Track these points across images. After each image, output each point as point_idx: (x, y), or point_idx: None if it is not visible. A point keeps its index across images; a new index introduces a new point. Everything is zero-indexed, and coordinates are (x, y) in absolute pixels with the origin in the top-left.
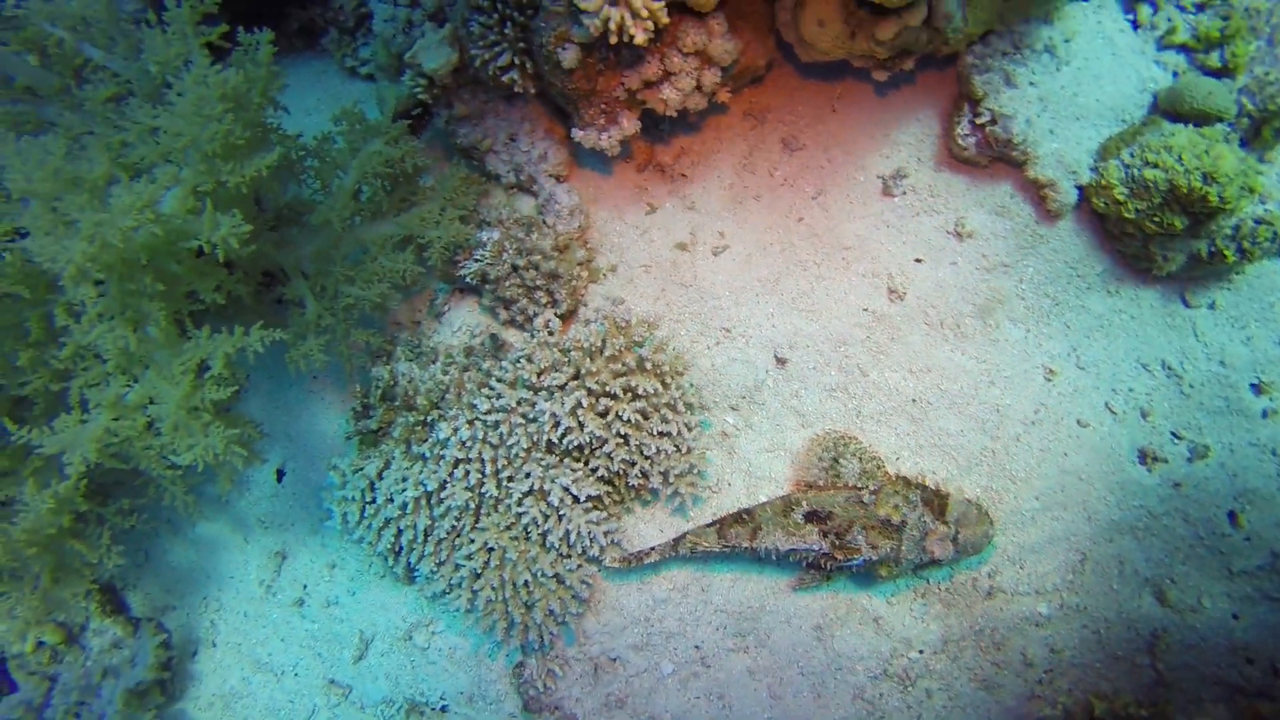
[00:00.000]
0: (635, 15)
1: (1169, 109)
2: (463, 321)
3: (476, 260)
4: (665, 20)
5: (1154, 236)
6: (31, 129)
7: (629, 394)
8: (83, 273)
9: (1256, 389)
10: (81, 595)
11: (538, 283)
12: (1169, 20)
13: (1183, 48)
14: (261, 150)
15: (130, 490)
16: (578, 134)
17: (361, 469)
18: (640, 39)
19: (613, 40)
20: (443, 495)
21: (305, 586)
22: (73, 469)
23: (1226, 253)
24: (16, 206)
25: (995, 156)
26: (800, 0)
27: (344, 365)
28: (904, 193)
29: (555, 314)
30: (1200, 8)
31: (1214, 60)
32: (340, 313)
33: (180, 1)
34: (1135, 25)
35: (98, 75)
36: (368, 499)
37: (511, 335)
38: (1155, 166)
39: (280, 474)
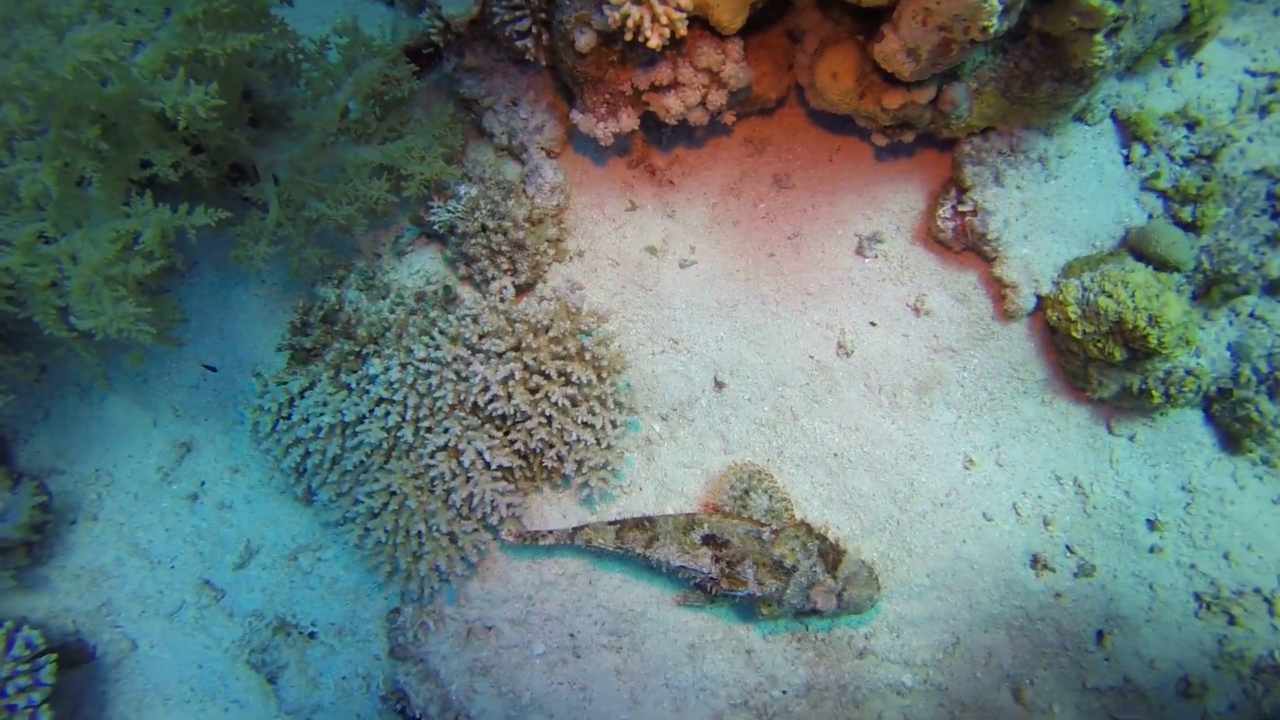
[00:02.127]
0: (654, 19)
1: (1136, 247)
2: (422, 266)
3: (449, 210)
4: (683, 32)
5: (1094, 360)
6: None
7: (562, 378)
8: (9, 91)
9: (1151, 525)
10: None
11: (503, 248)
12: (1156, 165)
13: (1162, 194)
14: (250, 31)
15: (39, 345)
16: (576, 116)
17: (285, 383)
18: (654, 43)
19: (628, 37)
20: (358, 429)
21: (203, 483)
22: None
23: (1154, 393)
24: None
25: (968, 246)
26: (820, 49)
27: (291, 277)
28: (875, 256)
29: (513, 282)
30: (1187, 163)
31: (1186, 214)
32: (301, 225)
33: None
34: (1127, 160)
35: None
36: (284, 413)
37: (465, 291)
38: (1109, 296)
39: (211, 368)
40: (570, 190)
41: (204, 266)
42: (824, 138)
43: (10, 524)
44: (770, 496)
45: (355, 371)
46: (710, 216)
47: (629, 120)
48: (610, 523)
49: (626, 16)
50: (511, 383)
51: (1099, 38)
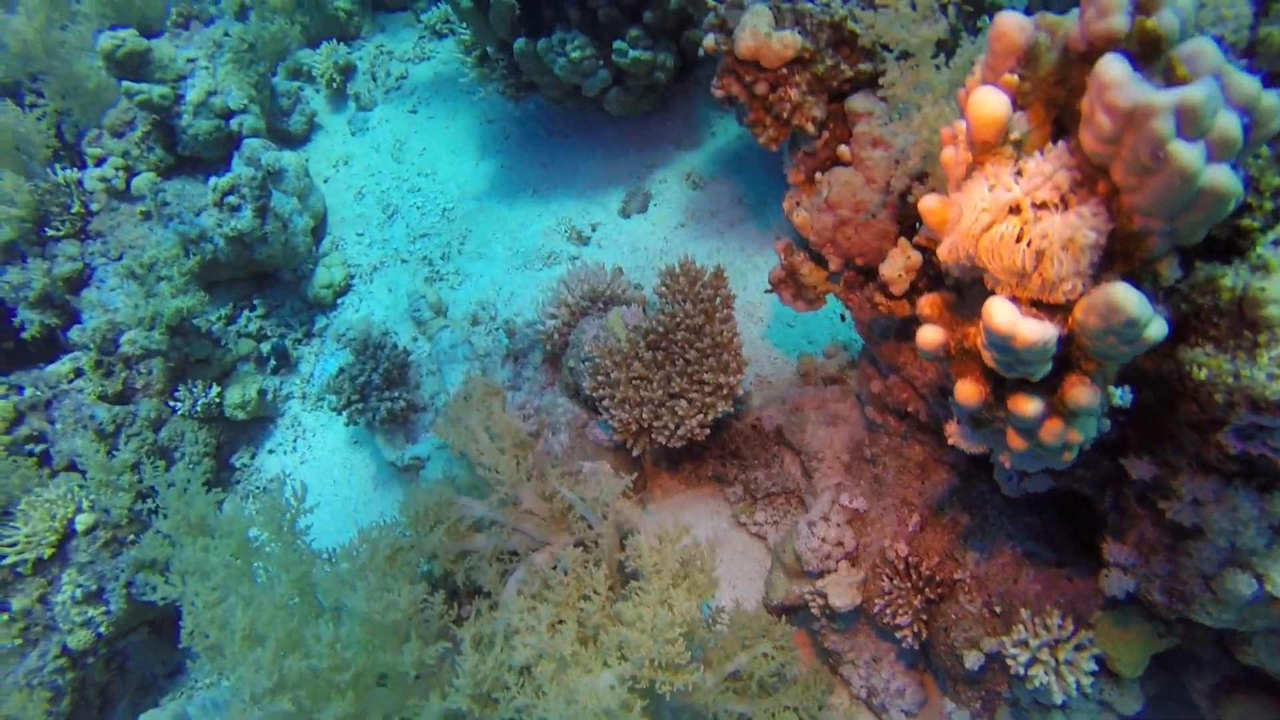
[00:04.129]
0: (1060, 678)
1: None
2: None
3: None
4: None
5: None
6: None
7: None
8: None
9: None
10: None
11: None
12: None
13: None
14: (691, 667)
15: None
16: (949, 705)
17: None
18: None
19: (1029, 685)
20: None
21: None
22: None
23: None
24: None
25: None
26: None
27: None
28: None
29: None
30: None
31: None
32: None
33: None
34: None
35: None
36: None
37: None
38: None
39: None
40: None
41: None
42: None
43: None
44: None
45: None
46: None
47: None
48: None
49: (1034, 676)
50: None
51: None
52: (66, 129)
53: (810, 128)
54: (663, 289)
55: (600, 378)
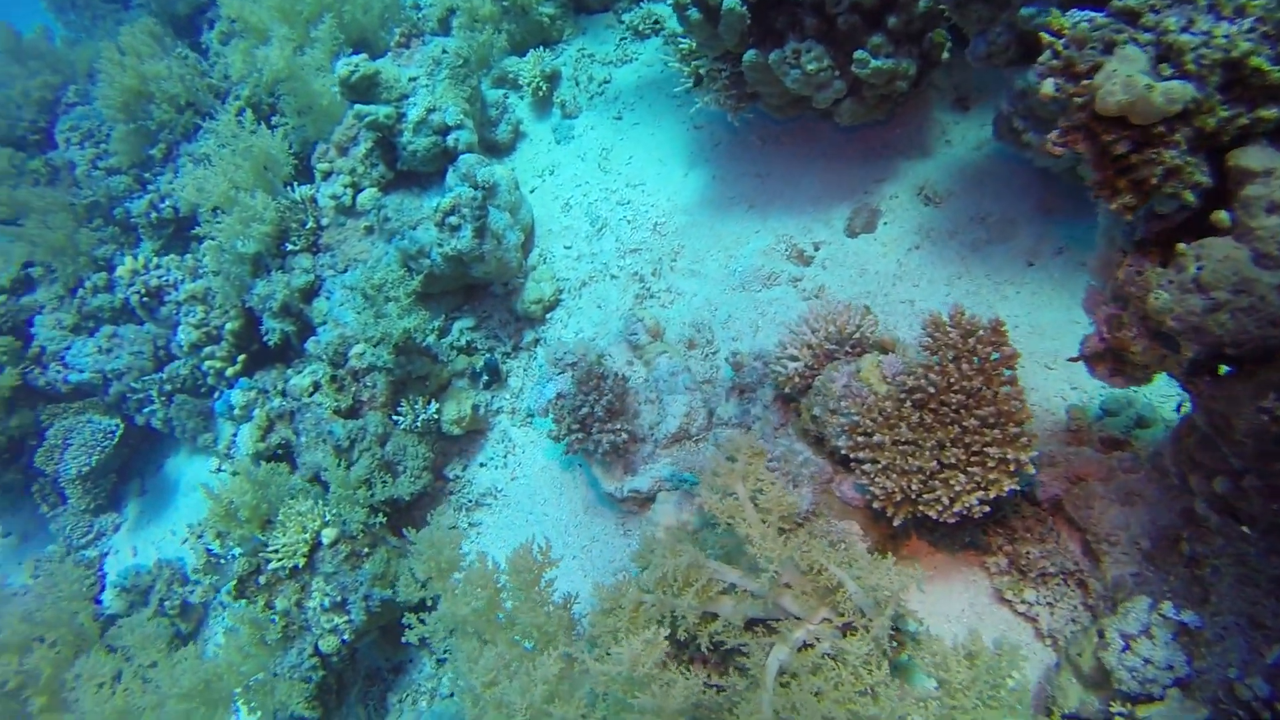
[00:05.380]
0: None
1: None
2: None
3: None
4: None
5: None
6: None
7: None
8: None
9: None
10: None
11: None
12: None
13: None
14: None
15: None
16: None
17: None
18: None
19: None
20: None
21: None
22: None
23: None
24: None
25: None
26: None
27: None
28: None
29: None
30: None
31: None
32: None
33: None
34: None
35: None
36: None
37: None
38: None
39: None
40: None
41: None
42: None
43: None
44: None
45: None
46: None
47: None
48: None
49: None
50: None
51: None
52: (297, 143)
53: (1189, 196)
54: (928, 340)
55: (860, 438)
